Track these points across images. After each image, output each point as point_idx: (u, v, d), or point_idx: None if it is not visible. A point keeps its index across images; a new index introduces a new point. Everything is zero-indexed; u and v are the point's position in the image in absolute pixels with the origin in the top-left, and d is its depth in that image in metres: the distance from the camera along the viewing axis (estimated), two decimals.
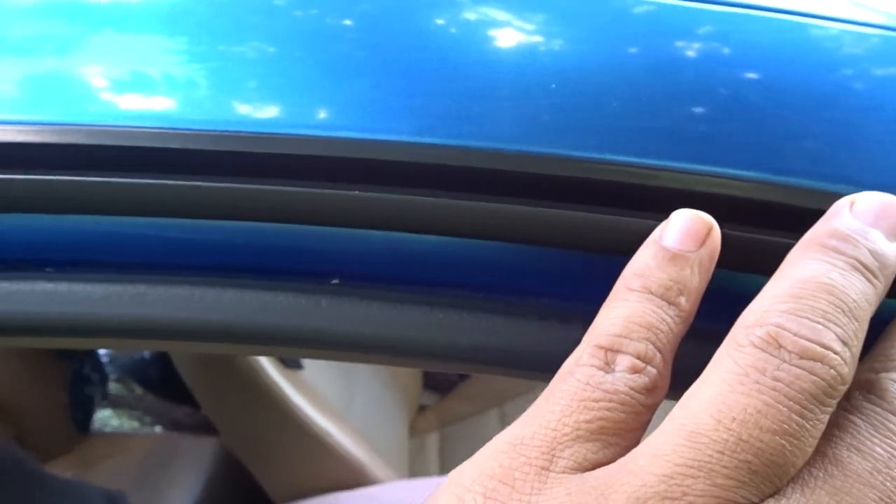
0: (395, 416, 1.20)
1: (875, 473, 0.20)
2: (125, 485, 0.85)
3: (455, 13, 0.26)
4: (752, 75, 0.25)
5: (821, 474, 0.21)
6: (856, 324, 0.21)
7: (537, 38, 0.26)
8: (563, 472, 0.21)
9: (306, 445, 0.95)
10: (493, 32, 0.26)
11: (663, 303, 0.23)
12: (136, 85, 0.26)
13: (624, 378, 0.22)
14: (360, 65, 0.25)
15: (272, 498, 0.99)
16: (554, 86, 0.25)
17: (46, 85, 0.26)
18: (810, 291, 0.21)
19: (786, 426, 0.20)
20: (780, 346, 0.21)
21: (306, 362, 1.00)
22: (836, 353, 0.21)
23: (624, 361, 0.22)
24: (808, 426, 0.20)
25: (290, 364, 0.96)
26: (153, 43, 0.26)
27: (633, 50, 0.25)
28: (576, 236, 0.25)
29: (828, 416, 0.21)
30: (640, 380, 0.22)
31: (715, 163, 0.24)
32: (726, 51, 0.25)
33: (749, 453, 0.20)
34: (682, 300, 0.23)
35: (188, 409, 1.03)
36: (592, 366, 0.22)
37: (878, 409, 0.22)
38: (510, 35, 0.26)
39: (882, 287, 0.22)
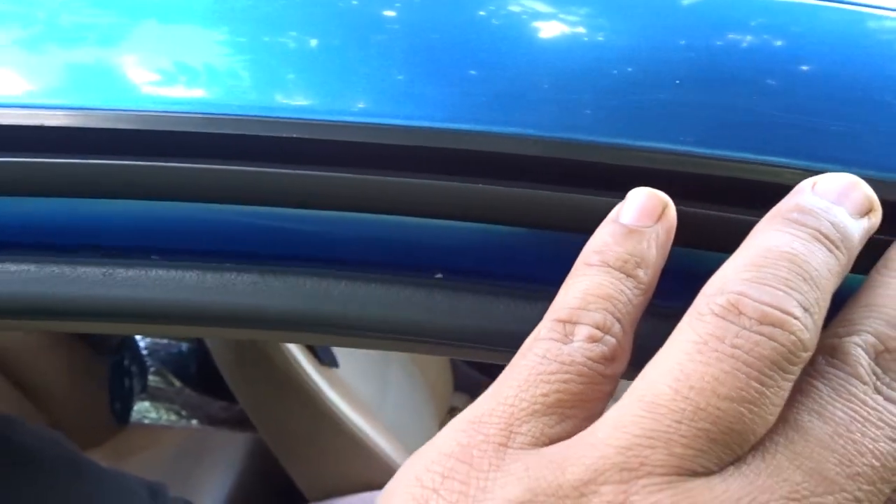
0: (425, 417, 1.20)
1: (836, 437, 0.20)
2: (157, 477, 0.85)
3: (498, 2, 0.26)
4: (804, 67, 0.25)
5: (781, 440, 0.20)
6: (817, 292, 0.21)
7: (580, 30, 0.26)
8: (521, 448, 0.21)
9: (340, 443, 0.95)
10: (536, 24, 0.26)
11: (621, 275, 0.23)
12: (189, 75, 0.26)
13: (582, 348, 0.22)
14: (412, 54, 0.25)
15: (306, 495, 0.99)
16: (601, 76, 0.25)
17: (120, 73, 0.27)
18: (772, 260, 0.21)
19: (744, 393, 0.20)
20: (741, 313, 0.20)
21: (342, 360, 1.00)
22: (795, 317, 0.20)
23: (582, 332, 0.22)
24: (769, 393, 0.20)
25: (326, 361, 0.97)
26: (198, 34, 0.27)
27: (681, 42, 0.25)
28: None
29: (790, 384, 0.21)
30: (598, 348, 0.22)
31: (763, 152, 0.25)
32: (778, 42, 0.25)
33: (707, 421, 0.20)
34: (641, 272, 0.23)
35: (224, 404, 1.03)
36: (551, 339, 0.22)
37: (840, 374, 0.21)
38: (553, 27, 0.26)
39: (845, 259, 0.22)
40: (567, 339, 0.22)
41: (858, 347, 0.21)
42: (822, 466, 0.20)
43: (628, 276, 0.23)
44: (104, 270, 0.26)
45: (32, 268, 0.27)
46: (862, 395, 0.21)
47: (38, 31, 0.27)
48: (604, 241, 0.24)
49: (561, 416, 0.21)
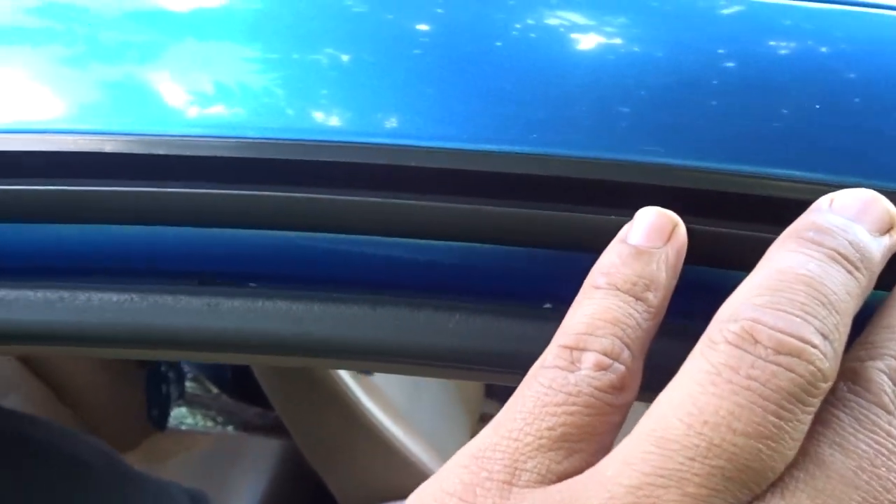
0: (457, 424, 1.20)
1: (859, 472, 0.19)
2: (188, 481, 0.85)
3: (530, 17, 0.26)
4: (850, 75, 0.24)
5: (802, 476, 0.19)
6: (837, 317, 0.20)
7: (617, 41, 0.25)
8: (527, 486, 0.20)
9: (376, 451, 0.95)
10: (574, 36, 0.25)
11: (630, 298, 0.22)
12: (220, 95, 0.26)
13: (588, 377, 0.21)
14: (440, 71, 0.25)
15: (340, 502, 0.99)
16: (641, 91, 0.24)
17: (134, 93, 0.26)
18: (787, 283, 0.20)
19: (761, 428, 0.19)
20: (756, 342, 0.19)
21: None
22: (814, 346, 0.19)
23: (589, 359, 0.21)
24: (788, 427, 0.19)
25: (361, 369, 0.97)
26: (233, 51, 0.26)
27: (721, 51, 0.24)
28: None
29: (810, 416, 0.19)
30: (606, 377, 0.21)
31: (812, 168, 0.24)
32: (823, 49, 0.25)
33: (722, 459, 0.19)
34: (650, 295, 0.22)
35: (259, 411, 1.03)
36: (556, 367, 0.21)
37: (862, 402, 0.20)
38: (591, 39, 0.25)
39: (866, 281, 0.21)
40: (573, 367, 0.21)
41: (882, 373, 0.20)
42: None
43: (637, 299, 0.22)
44: (208, 301, 0.26)
45: (135, 297, 0.26)
46: (886, 426, 0.20)
47: (85, 53, 0.27)
48: (611, 263, 0.23)
49: (568, 451, 0.21)
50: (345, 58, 0.26)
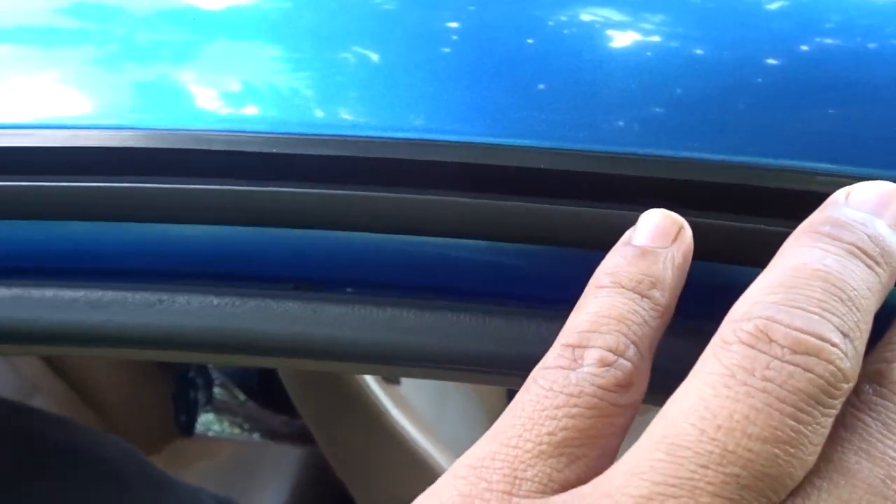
0: (481, 431, 1.19)
1: (888, 482, 0.18)
2: (211, 487, 0.85)
3: (564, 13, 0.25)
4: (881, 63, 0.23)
5: (825, 485, 0.18)
6: (857, 314, 0.18)
7: (654, 39, 0.25)
8: (528, 496, 0.19)
9: (402, 461, 0.95)
10: (610, 32, 0.25)
11: (635, 295, 0.21)
12: (249, 93, 0.25)
13: (591, 375, 0.20)
14: (472, 69, 0.25)
15: None
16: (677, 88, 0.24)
17: (168, 91, 0.26)
18: (803, 280, 0.19)
19: (779, 433, 0.17)
20: (771, 341, 0.18)
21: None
22: (833, 344, 0.18)
23: (592, 356, 0.20)
24: (807, 431, 0.18)
25: (389, 378, 0.96)
26: (261, 51, 0.26)
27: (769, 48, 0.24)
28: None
29: (831, 419, 0.18)
30: (610, 373, 0.20)
31: (831, 160, 0.23)
32: (872, 45, 0.24)
33: (737, 466, 0.17)
34: (657, 293, 0.21)
35: (285, 419, 1.03)
36: (558, 367, 0.20)
37: (891, 405, 0.19)
38: (625, 37, 0.25)
39: (886, 276, 0.20)
40: (575, 364, 0.20)
41: None
42: None
43: (643, 296, 0.21)
44: (312, 307, 0.25)
45: (236, 301, 0.26)
46: None
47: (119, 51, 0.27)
48: (615, 263, 0.22)
49: (570, 457, 0.19)
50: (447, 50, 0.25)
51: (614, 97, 0.24)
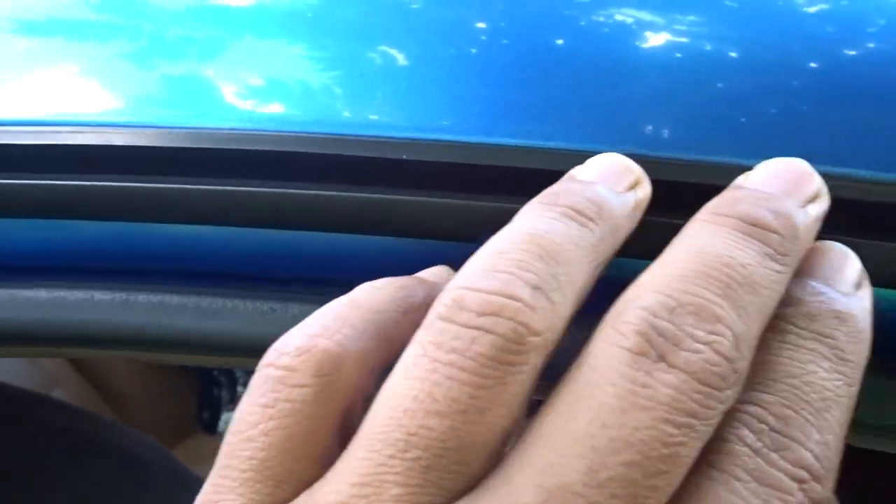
0: None
1: (591, 432, 0.16)
2: None
3: (595, 13, 0.24)
4: None
5: (521, 446, 0.16)
6: (557, 267, 0.17)
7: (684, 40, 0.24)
8: None
9: None
10: (639, 35, 0.24)
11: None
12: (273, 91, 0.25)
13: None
14: (509, 70, 0.24)
15: None
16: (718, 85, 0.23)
17: (189, 89, 0.26)
18: (509, 244, 0.18)
19: (456, 404, 0.16)
20: (462, 309, 0.17)
21: None
22: (517, 299, 0.16)
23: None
24: (488, 396, 0.16)
25: None
26: (286, 48, 0.25)
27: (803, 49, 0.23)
28: None
29: (525, 376, 0.16)
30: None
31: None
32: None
33: (419, 448, 0.16)
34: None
35: None
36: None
37: (608, 348, 0.17)
38: (658, 38, 0.24)
39: (602, 232, 0.19)
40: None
41: (643, 311, 0.16)
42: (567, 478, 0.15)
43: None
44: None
45: (254, 303, 0.26)
46: (630, 372, 0.16)
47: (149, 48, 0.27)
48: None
49: (275, 483, 0.17)
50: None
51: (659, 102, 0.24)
